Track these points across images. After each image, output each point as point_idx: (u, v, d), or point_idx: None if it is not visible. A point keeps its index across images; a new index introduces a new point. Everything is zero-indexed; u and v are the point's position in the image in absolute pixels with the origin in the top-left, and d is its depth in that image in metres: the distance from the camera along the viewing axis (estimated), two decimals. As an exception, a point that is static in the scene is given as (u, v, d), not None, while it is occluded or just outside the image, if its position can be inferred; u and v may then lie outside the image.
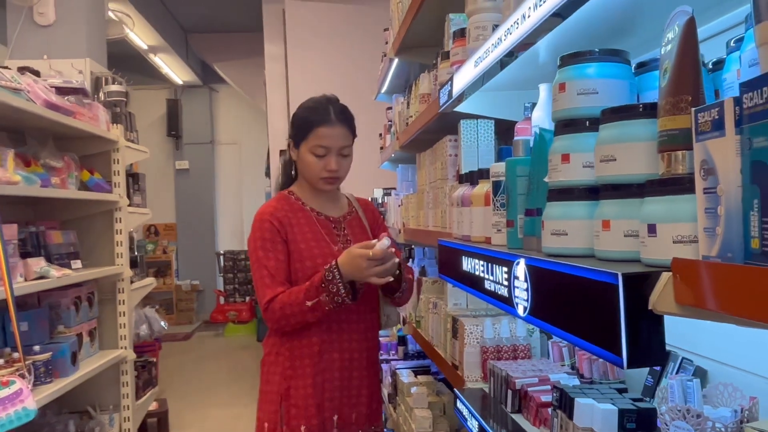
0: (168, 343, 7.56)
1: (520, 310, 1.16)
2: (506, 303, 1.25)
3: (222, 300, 9.25)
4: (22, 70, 2.90)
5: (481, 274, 1.43)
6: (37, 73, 3.07)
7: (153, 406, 4.13)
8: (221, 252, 9.69)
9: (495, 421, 1.62)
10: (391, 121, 3.86)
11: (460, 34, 1.71)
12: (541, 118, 1.69)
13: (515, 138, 1.73)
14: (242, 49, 8.93)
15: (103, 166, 3.16)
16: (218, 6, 8.02)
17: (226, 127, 10.44)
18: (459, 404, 1.87)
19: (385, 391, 3.36)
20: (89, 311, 2.98)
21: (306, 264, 1.98)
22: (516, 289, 1.18)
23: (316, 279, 1.90)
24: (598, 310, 0.86)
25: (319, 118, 2.01)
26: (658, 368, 1.53)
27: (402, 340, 3.57)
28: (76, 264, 2.76)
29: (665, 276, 0.77)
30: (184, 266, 10.07)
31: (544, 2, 1.11)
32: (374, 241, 1.91)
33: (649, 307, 0.78)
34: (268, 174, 6.94)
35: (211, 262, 10.03)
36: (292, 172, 2.18)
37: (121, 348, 3.14)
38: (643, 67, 1.15)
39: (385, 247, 1.87)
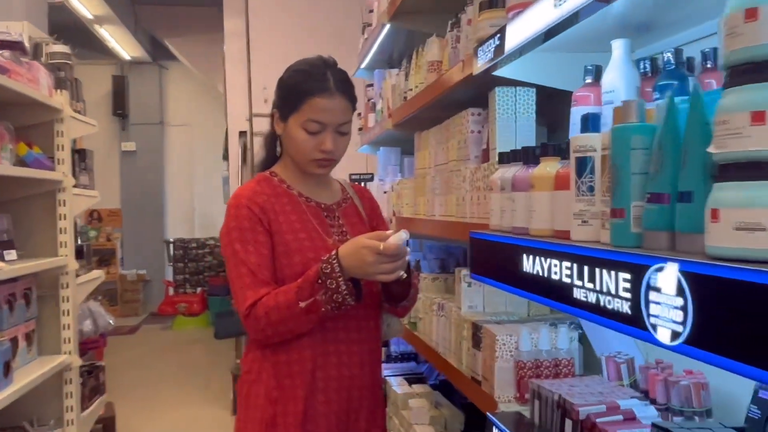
0: (112, 338, 6.99)
1: (664, 336, 0.82)
2: (627, 322, 0.91)
3: (171, 291, 8.78)
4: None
5: (566, 280, 1.08)
6: (-36, 30, 2.57)
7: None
8: (170, 240, 9.23)
9: (559, 462, 1.28)
10: (372, 99, 3.48)
11: (524, -30, 1.35)
12: (616, 81, 1.35)
13: (579, 107, 1.39)
14: (196, 23, 8.39)
15: (44, 139, 2.68)
16: (171, -25, 7.46)
17: (177, 108, 9.87)
18: (497, 434, 1.53)
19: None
20: (26, 310, 2.52)
21: (294, 260, 1.61)
22: (655, 306, 0.84)
23: (310, 274, 1.53)
24: None
25: (315, 87, 1.62)
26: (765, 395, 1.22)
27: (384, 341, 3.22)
28: (10, 255, 2.29)
29: None
30: (130, 255, 9.50)
31: None
32: (389, 231, 1.54)
33: None
34: (226, 157, 6.48)
35: (159, 251, 9.50)
36: (277, 150, 1.79)
37: (65, 353, 2.68)
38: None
39: (402, 242, 1.51)
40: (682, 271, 0.79)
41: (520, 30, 1.31)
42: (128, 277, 9.14)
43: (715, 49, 1.28)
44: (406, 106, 2.53)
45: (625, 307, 0.91)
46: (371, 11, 3.48)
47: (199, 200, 9.78)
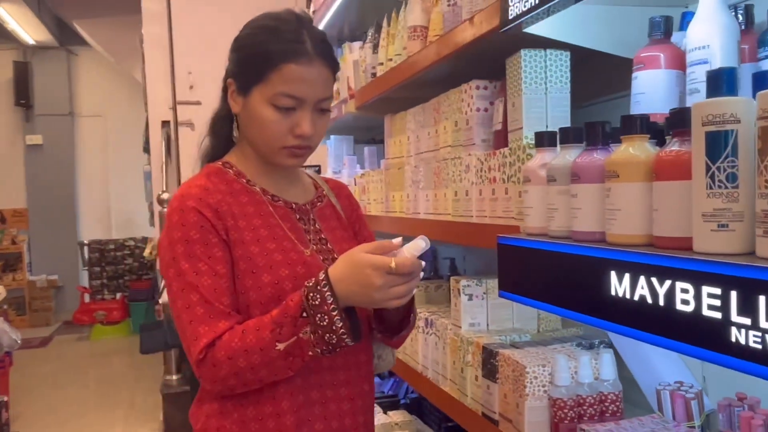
0: (21, 352, 6.26)
1: None
2: None
3: (87, 297, 8.05)
4: None
5: (714, 314, 0.73)
6: None
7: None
8: (85, 242, 8.48)
9: None
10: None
11: None
12: (709, 34, 1.01)
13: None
14: (108, 4, 7.65)
15: None
16: (80, -50, 6.75)
17: (89, 97, 9.07)
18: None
19: None
20: None
21: (263, 279, 1.21)
22: None
23: (291, 305, 1.13)
24: None
25: (289, 49, 1.21)
26: None
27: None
28: None
29: None
30: (39, 259, 8.68)
31: None
32: (396, 240, 1.16)
33: None
34: (147, 150, 5.91)
35: (72, 254, 8.73)
36: (234, 134, 1.36)
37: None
38: None
39: (421, 252, 1.13)
40: None
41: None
42: (38, 283, 8.34)
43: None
44: (376, 85, 2.14)
45: None
46: (318, -19, 3.06)
47: (116, 198, 9.03)
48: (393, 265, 1.10)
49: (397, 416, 2.16)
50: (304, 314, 1.11)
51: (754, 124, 0.75)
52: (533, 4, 1.10)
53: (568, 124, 1.32)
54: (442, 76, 1.75)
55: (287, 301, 1.14)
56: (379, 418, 2.18)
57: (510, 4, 1.18)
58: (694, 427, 1.23)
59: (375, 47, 2.17)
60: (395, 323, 1.31)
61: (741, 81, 1.02)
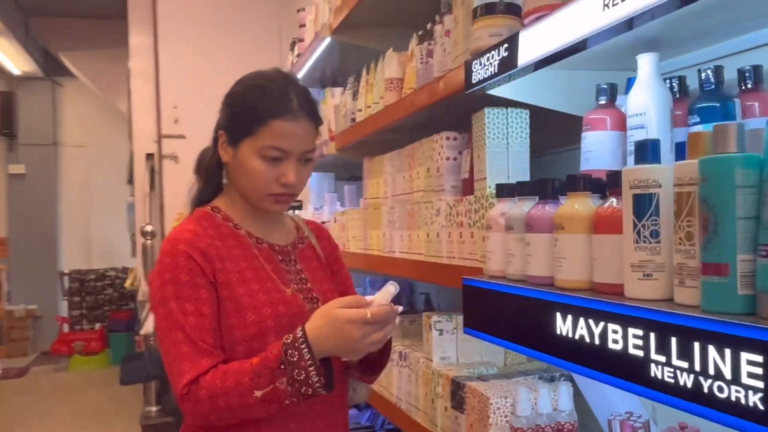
0: (-4, 383, 6.25)
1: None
2: (756, 420, 0.68)
3: (66, 328, 7.99)
4: None
5: (636, 352, 0.85)
6: None
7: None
8: (65, 271, 8.43)
9: None
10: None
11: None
12: (646, 102, 1.15)
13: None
14: (95, 37, 7.82)
15: None
16: (68, -15, 6.89)
17: (73, 127, 9.12)
18: None
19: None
20: None
21: (248, 318, 1.31)
22: (820, 405, 0.61)
23: (270, 357, 1.22)
24: None
25: (276, 107, 1.33)
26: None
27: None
28: None
29: None
30: (18, 288, 8.59)
31: None
32: (372, 297, 1.26)
33: None
34: (131, 181, 5.97)
35: (51, 284, 8.66)
36: (222, 180, 1.48)
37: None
38: None
39: (392, 297, 1.25)
40: None
41: (542, 39, 1.09)
42: (16, 313, 8.27)
43: (755, 67, 1.11)
44: (355, 129, 2.27)
45: (754, 399, 0.68)
46: (303, 26, 3.21)
47: (97, 228, 9.02)
48: (369, 316, 1.20)
49: (373, 446, 2.24)
50: (282, 366, 1.20)
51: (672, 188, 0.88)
52: (493, 72, 1.23)
53: (528, 175, 1.45)
54: (416, 125, 1.88)
55: (267, 353, 1.23)
56: (356, 448, 2.27)
57: (473, 69, 1.31)
58: (641, 455, 1.34)
59: (355, 94, 2.31)
60: (372, 362, 1.42)
61: (673, 143, 1.16)
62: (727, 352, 0.71)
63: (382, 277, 2.59)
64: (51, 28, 7.95)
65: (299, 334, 1.22)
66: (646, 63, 1.14)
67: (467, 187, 1.57)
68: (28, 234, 8.71)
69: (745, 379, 0.69)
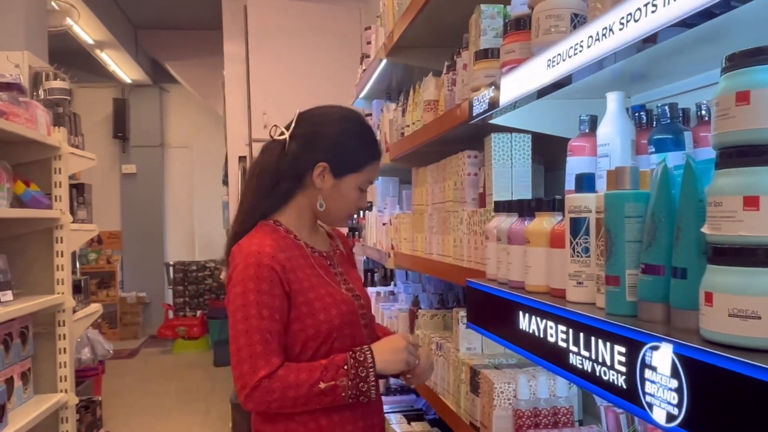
0: (112, 362, 6.97)
1: (659, 417, 0.81)
2: (622, 396, 0.90)
3: (171, 314, 8.68)
4: (-57, 60, 2.41)
5: (562, 344, 1.07)
6: (-37, 65, 2.58)
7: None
8: (171, 263, 9.10)
9: None
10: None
11: (517, 25, 1.35)
12: (611, 135, 1.35)
13: (583, 163, 1.39)
14: (197, 47, 8.42)
15: (42, 175, 2.68)
16: (171, 1, 7.50)
17: (178, 130, 9.87)
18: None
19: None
20: (22, 349, 2.50)
21: (320, 318, 1.53)
22: (650, 385, 0.83)
23: (337, 358, 1.50)
24: None
25: (376, 151, 1.66)
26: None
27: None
28: (6, 296, 2.28)
29: None
30: (130, 277, 9.44)
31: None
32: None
33: None
34: (225, 182, 6.46)
35: (159, 274, 9.42)
36: (320, 204, 1.62)
37: (61, 391, 2.65)
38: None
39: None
40: (676, 353, 0.78)
41: (513, 86, 1.31)
42: (128, 299, 9.08)
43: (709, 102, 1.28)
44: (404, 143, 2.53)
45: (620, 381, 0.90)
46: (369, 43, 3.49)
47: (199, 223, 9.75)
48: (411, 339, 1.56)
49: (417, 427, 2.51)
50: (346, 366, 1.47)
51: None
52: (485, 109, 1.47)
53: (530, 192, 1.67)
54: (453, 139, 2.12)
55: (333, 357, 1.49)
56: (403, 426, 2.54)
57: (474, 104, 1.55)
58: (623, 436, 1.53)
59: (404, 111, 2.57)
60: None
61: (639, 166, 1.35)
62: (607, 344, 0.93)
63: (424, 276, 2.85)
64: (157, 39, 8.63)
65: (366, 347, 1.53)
66: (612, 100, 1.34)
67: (482, 200, 1.80)
68: (139, 228, 9.52)
69: (616, 366, 0.91)
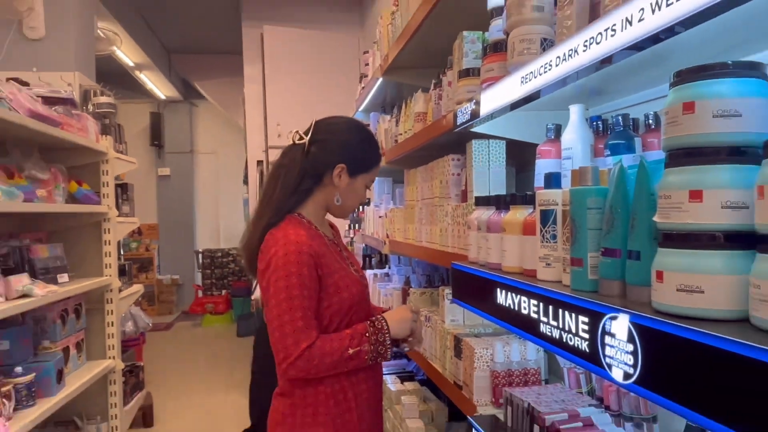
0: (151, 334, 6.94)
1: (617, 375, 0.81)
2: (585, 359, 0.89)
3: (200, 293, 8.66)
4: (9, 80, 2.38)
5: (534, 316, 1.07)
6: (25, 84, 2.55)
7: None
8: (200, 250, 9.08)
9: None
10: (369, 137, 3.47)
11: (495, 48, 1.34)
12: (573, 141, 1.34)
13: (549, 163, 1.38)
14: (221, 68, 8.38)
15: (92, 176, 2.65)
16: (200, 29, 7.45)
17: (205, 139, 9.82)
18: (476, 435, 1.51)
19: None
20: (76, 323, 2.48)
21: (343, 296, 1.51)
22: (610, 349, 0.83)
23: (359, 327, 1.50)
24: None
25: (380, 154, 1.68)
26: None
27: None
28: (63, 278, 2.26)
29: None
30: (165, 262, 9.40)
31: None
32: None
33: None
34: (245, 182, 6.44)
35: (190, 259, 9.39)
36: (337, 199, 1.61)
37: (109, 358, 2.64)
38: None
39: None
40: (632, 322, 0.78)
41: (491, 100, 1.31)
42: (164, 281, 9.05)
43: (656, 113, 1.28)
44: (397, 148, 2.52)
45: (584, 346, 0.90)
46: (367, 65, 3.48)
47: (223, 217, 9.72)
48: (412, 308, 1.57)
49: (409, 386, 2.51)
50: (367, 333, 1.48)
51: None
52: (467, 119, 1.46)
53: (504, 190, 1.66)
54: (439, 146, 2.11)
55: (356, 326, 1.49)
56: (397, 385, 2.54)
57: (458, 115, 1.54)
58: (582, 392, 1.53)
59: (397, 122, 2.55)
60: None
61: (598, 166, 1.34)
62: (573, 315, 0.93)
63: (414, 260, 2.84)
64: (187, 62, 8.59)
65: (380, 316, 1.54)
66: (573, 112, 1.33)
67: (464, 196, 1.79)
68: (172, 221, 9.48)
69: (580, 333, 0.91)
